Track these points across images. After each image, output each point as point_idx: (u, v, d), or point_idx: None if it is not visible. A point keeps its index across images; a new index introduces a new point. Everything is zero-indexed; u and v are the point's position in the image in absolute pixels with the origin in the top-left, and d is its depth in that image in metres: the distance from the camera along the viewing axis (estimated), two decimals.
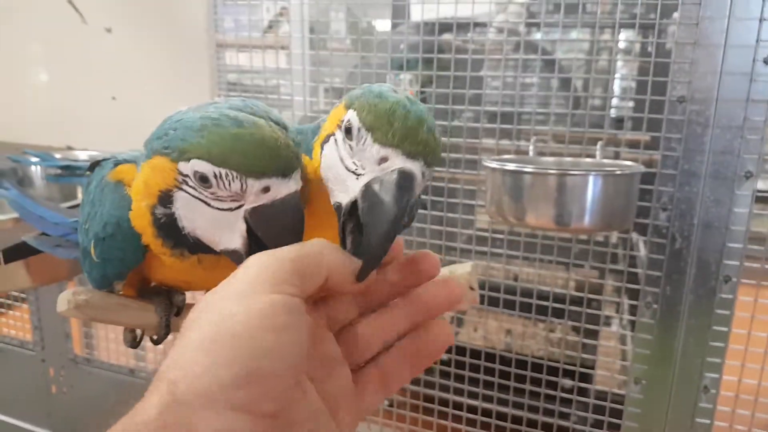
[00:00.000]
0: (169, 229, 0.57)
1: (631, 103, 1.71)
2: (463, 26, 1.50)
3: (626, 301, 1.59)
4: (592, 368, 1.58)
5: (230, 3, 1.63)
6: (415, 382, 1.65)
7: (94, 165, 0.72)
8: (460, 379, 1.60)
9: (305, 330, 0.40)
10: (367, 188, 0.50)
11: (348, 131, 0.52)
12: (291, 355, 0.39)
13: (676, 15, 1.26)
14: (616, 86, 2.04)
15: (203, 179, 0.51)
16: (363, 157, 0.51)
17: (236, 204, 0.53)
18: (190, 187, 0.53)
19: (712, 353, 1.31)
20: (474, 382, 1.59)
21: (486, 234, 1.59)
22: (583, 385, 1.49)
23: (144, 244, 0.61)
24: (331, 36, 1.64)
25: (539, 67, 1.52)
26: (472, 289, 1.05)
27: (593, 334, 1.52)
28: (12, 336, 2.18)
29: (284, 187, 0.52)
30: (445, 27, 1.54)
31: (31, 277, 1.20)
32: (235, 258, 0.53)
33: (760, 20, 1.14)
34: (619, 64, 2.03)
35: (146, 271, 0.67)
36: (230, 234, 0.54)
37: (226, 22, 1.54)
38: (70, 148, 1.57)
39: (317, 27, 1.62)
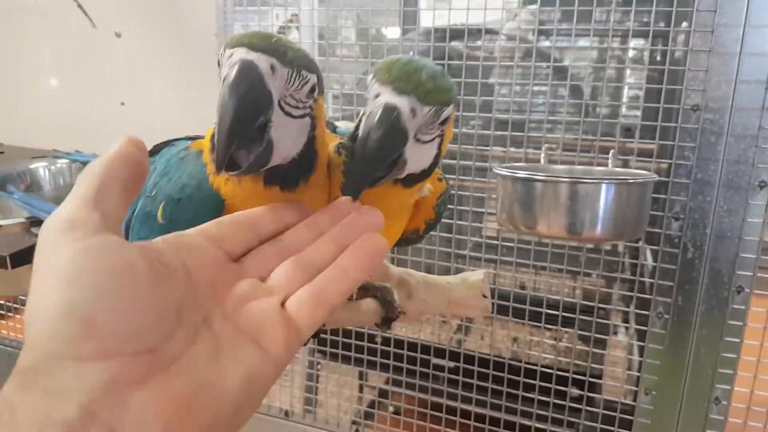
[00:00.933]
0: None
1: (638, 112, 1.70)
2: (473, 33, 1.49)
3: (634, 311, 1.58)
4: (600, 377, 1.56)
5: (240, 9, 1.63)
6: (423, 389, 1.65)
7: (161, 146, 0.74)
8: (468, 387, 1.59)
9: (132, 256, 0.38)
10: (360, 119, 0.60)
11: (367, 88, 0.60)
12: (130, 288, 0.37)
13: (685, 24, 1.25)
14: (626, 95, 2.03)
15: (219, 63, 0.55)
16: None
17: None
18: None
19: (724, 364, 1.30)
20: (482, 390, 1.58)
21: (495, 242, 1.58)
22: (591, 394, 1.48)
23: (221, 201, 0.62)
24: (341, 42, 1.64)
25: (550, 75, 1.51)
26: (484, 297, 1.05)
27: (601, 344, 1.51)
28: (19, 340, 2.19)
29: (242, 53, 0.52)
30: (454, 34, 1.54)
31: None
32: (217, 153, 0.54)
33: None
34: (629, 72, 2.02)
35: None
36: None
37: (236, 27, 1.54)
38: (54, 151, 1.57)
39: (326, 33, 1.62)
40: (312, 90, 0.57)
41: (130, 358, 0.36)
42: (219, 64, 0.54)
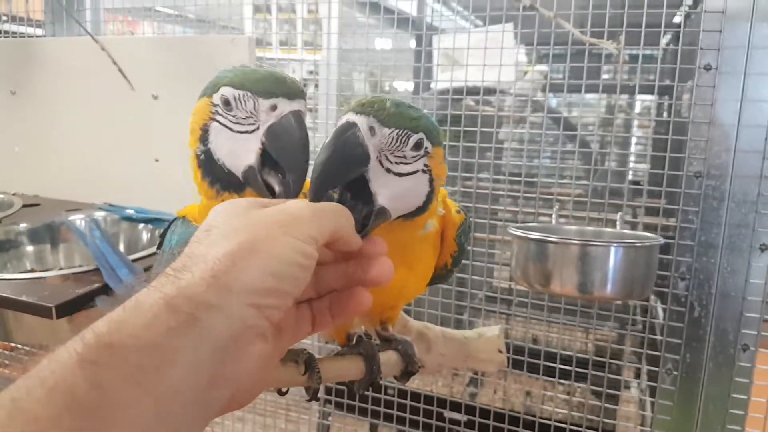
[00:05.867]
0: (207, 164, 0.68)
1: (645, 165, 1.76)
2: (484, 93, 1.58)
3: (645, 367, 1.61)
4: None
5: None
6: None
7: (163, 234, 0.84)
8: None
9: (311, 274, 0.51)
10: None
11: (227, 104, 0.64)
12: (299, 287, 0.50)
13: (689, 83, 1.33)
14: (633, 151, 2.11)
15: (227, 103, 0.64)
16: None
17: (252, 127, 0.64)
18: (219, 115, 0.66)
19: (732, 421, 1.32)
20: None
21: (509, 297, 1.63)
22: None
23: None
24: (355, 95, 1.73)
25: (560, 137, 1.59)
26: (500, 352, 1.09)
27: (613, 398, 1.54)
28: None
29: (289, 106, 0.63)
30: (467, 93, 1.62)
31: (72, 332, 1.24)
32: (251, 175, 0.65)
33: None
34: (636, 128, 2.10)
35: None
36: (247, 153, 0.64)
37: None
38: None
39: (343, 86, 1.72)
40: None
41: (268, 321, 0.48)
42: (222, 103, 0.65)
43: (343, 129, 0.60)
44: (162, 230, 0.86)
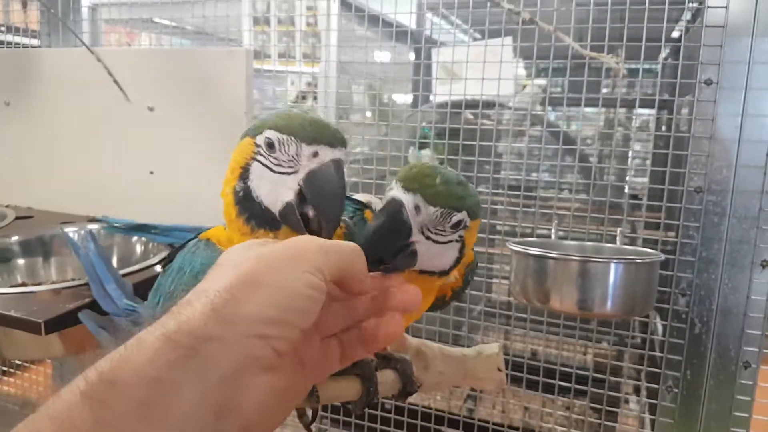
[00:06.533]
0: (245, 201, 0.70)
1: (644, 178, 1.76)
2: (483, 107, 1.57)
3: (645, 384, 1.59)
4: None
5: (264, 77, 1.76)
6: None
7: (175, 252, 0.83)
8: None
9: (320, 306, 0.51)
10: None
11: (270, 146, 0.67)
12: (307, 318, 0.49)
13: (689, 98, 1.32)
14: (633, 165, 2.09)
15: (270, 146, 0.67)
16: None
17: (292, 170, 0.67)
18: (261, 155, 0.68)
19: None
20: None
21: (507, 312, 1.62)
22: None
23: None
24: (353, 107, 1.73)
25: (560, 151, 1.58)
26: (499, 370, 1.08)
27: (612, 415, 1.52)
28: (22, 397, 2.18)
29: (330, 154, 0.66)
30: (466, 106, 1.62)
31: (64, 347, 1.22)
32: (289, 210, 0.67)
33: None
34: (635, 142, 2.09)
35: None
36: (285, 191, 0.67)
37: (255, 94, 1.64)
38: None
39: (342, 98, 1.72)
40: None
41: (275, 352, 0.47)
42: (266, 146, 0.68)
43: (390, 205, 0.65)
44: (175, 247, 0.84)
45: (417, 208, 0.65)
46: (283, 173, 0.67)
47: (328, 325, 0.57)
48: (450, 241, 0.69)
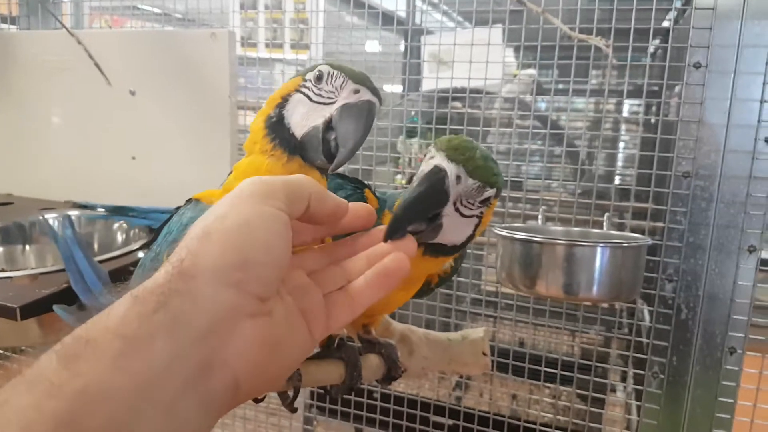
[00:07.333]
0: (275, 125, 0.72)
1: (634, 171, 1.75)
2: (473, 95, 1.56)
3: (632, 370, 1.59)
4: None
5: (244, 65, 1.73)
6: None
7: (161, 228, 0.83)
8: None
9: (288, 237, 0.51)
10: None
11: (319, 78, 0.70)
12: (277, 253, 0.49)
13: (678, 88, 1.31)
14: (621, 155, 2.09)
15: (319, 78, 0.70)
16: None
17: (330, 101, 0.70)
18: (306, 87, 0.71)
19: (719, 425, 1.31)
20: None
21: (494, 299, 1.61)
22: None
23: None
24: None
25: (547, 136, 1.57)
26: (484, 354, 1.07)
27: (599, 402, 1.52)
28: None
29: (369, 95, 0.69)
30: (455, 96, 1.60)
31: (43, 334, 1.20)
32: (313, 133, 0.70)
33: (761, 102, 1.20)
34: (624, 131, 2.09)
35: None
36: (317, 118, 0.70)
37: (241, 81, 1.61)
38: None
39: None
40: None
41: (254, 297, 0.47)
42: (315, 77, 0.71)
43: (433, 173, 0.65)
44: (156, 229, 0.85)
45: (458, 178, 0.66)
46: (320, 103, 0.71)
47: (326, 280, 0.57)
48: (473, 216, 0.71)
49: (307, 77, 0.72)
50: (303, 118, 0.71)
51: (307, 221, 0.56)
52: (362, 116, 0.69)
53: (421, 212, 0.65)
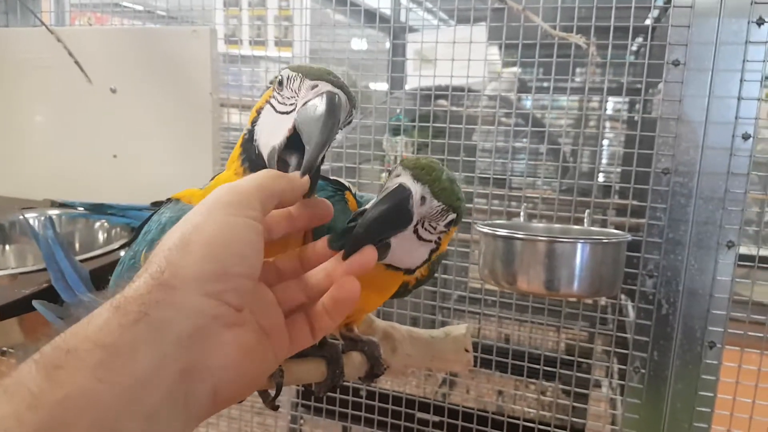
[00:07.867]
0: (247, 144, 0.70)
1: (618, 168, 1.77)
2: (457, 93, 1.56)
3: (615, 365, 1.61)
4: (583, 431, 1.58)
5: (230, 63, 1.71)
6: None
7: (141, 227, 0.83)
8: None
9: (261, 247, 0.52)
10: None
11: (280, 84, 0.67)
12: (251, 263, 0.50)
13: (661, 86, 1.32)
14: (604, 152, 2.11)
15: (280, 83, 0.68)
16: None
17: (291, 107, 0.66)
18: (273, 98, 0.69)
19: (699, 418, 1.32)
20: None
21: (478, 295, 1.61)
22: None
23: None
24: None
25: (529, 134, 1.58)
26: (467, 351, 1.07)
27: (583, 397, 1.53)
28: None
29: (328, 87, 0.65)
30: (438, 95, 1.61)
31: (24, 334, 1.19)
32: (270, 157, 0.66)
33: (739, 99, 1.21)
34: (607, 130, 2.10)
35: None
36: (277, 134, 0.66)
37: (225, 80, 1.60)
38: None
39: None
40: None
41: (231, 307, 0.48)
42: (277, 83, 0.69)
43: (398, 191, 0.63)
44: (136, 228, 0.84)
45: (423, 199, 0.63)
46: (283, 113, 0.68)
47: (286, 296, 0.57)
48: (430, 241, 0.69)
49: (275, 86, 0.70)
50: (268, 136, 0.68)
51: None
52: (321, 109, 0.65)
53: (382, 232, 0.63)
